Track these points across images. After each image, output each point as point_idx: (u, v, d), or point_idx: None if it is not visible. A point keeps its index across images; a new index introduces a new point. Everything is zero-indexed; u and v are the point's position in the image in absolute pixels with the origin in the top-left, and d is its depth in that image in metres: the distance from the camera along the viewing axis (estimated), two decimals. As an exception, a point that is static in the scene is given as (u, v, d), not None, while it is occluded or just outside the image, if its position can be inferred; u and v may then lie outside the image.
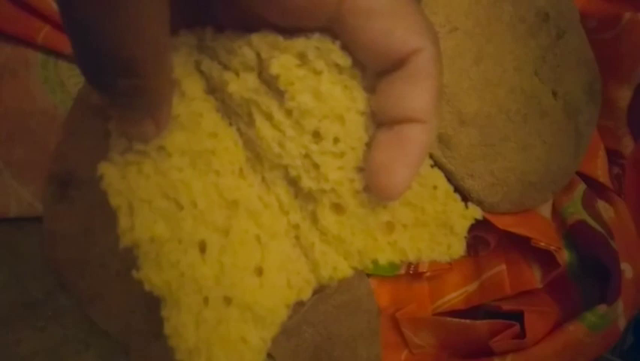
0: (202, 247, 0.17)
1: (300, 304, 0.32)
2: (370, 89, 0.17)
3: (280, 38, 0.16)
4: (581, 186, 0.38)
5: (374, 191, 0.17)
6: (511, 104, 0.33)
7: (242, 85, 0.17)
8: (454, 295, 0.37)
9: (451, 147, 0.32)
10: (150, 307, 0.28)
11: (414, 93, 0.15)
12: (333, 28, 0.15)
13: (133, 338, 0.29)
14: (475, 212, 0.19)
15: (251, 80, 0.17)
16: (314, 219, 0.19)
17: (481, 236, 0.36)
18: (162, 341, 0.29)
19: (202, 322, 0.17)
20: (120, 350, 0.31)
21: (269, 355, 0.33)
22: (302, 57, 0.16)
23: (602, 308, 0.33)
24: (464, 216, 0.19)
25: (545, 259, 0.36)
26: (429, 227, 0.19)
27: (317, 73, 0.16)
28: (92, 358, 0.31)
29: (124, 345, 0.31)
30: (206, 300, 0.17)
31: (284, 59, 0.16)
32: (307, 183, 0.18)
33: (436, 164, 0.32)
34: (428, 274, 0.37)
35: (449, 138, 0.32)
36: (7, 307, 0.30)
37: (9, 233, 0.31)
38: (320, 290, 0.32)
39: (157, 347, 0.29)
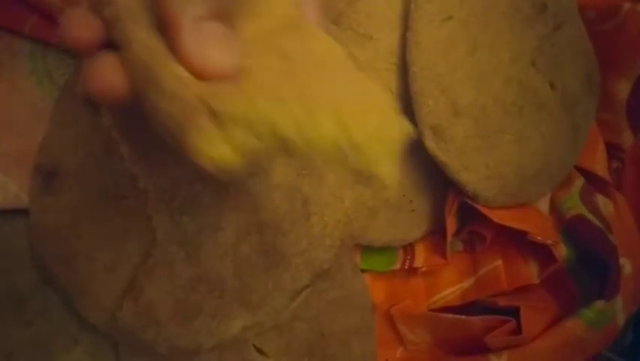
0: None
1: (292, 298, 0.32)
2: None
3: None
4: (580, 181, 0.38)
5: None
6: (506, 96, 0.32)
7: None
8: (450, 291, 0.36)
9: (445, 139, 0.31)
10: (137, 301, 0.28)
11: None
12: None
13: (121, 333, 0.29)
14: None
15: None
16: None
17: (477, 231, 0.36)
18: (150, 334, 0.28)
19: None
20: (109, 344, 0.31)
21: (260, 351, 0.32)
22: None
23: (600, 304, 0.33)
24: None
25: (542, 254, 0.35)
26: None
27: None
28: (80, 353, 0.31)
29: (113, 340, 0.31)
30: None
31: None
32: None
33: (430, 156, 0.32)
34: (424, 269, 0.36)
35: (444, 130, 0.31)
36: (-7, 302, 0.30)
37: (-4, 226, 0.31)
38: (312, 284, 0.32)
39: (145, 341, 0.29)
